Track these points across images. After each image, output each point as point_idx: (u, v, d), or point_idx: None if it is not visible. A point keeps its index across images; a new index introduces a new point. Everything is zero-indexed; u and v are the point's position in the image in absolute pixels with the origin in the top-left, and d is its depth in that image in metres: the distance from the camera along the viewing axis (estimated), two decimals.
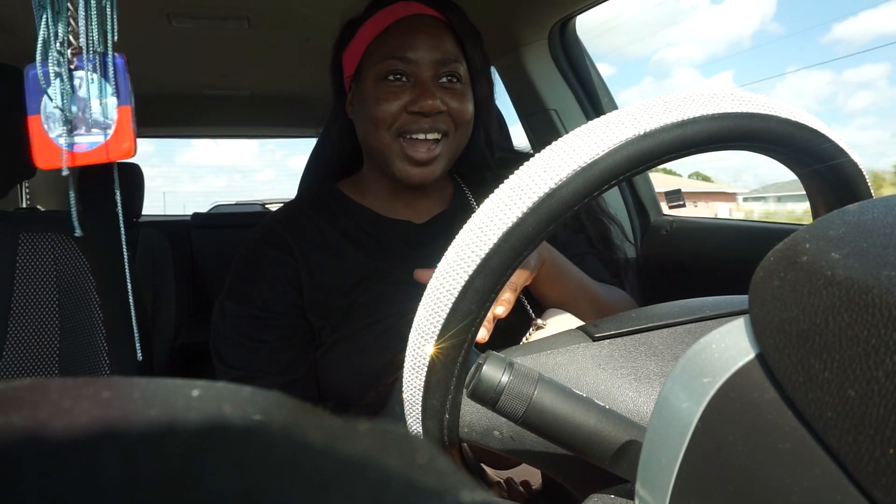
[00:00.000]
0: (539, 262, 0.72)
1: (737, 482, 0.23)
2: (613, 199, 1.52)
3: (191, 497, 0.11)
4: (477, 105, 0.87)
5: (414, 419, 0.40)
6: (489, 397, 0.38)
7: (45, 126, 0.49)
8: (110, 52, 0.48)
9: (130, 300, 0.56)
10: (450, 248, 0.37)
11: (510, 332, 0.68)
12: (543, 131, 1.54)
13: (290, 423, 0.14)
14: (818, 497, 0.20)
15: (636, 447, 0.36)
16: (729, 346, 0.26)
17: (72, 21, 0.46)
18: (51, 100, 0.48)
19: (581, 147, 0.34)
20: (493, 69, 1.62)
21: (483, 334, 0.61)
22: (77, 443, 0.12)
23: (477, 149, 0.91)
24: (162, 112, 2.55)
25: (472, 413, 0.41)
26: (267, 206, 5.07)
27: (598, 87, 1.52)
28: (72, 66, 0.48)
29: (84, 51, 0.47)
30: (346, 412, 0.83)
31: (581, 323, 0.55)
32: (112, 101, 0.50)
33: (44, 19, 0.45)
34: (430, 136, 0.82)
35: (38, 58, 0.47)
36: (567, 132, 0.36)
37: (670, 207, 1.56)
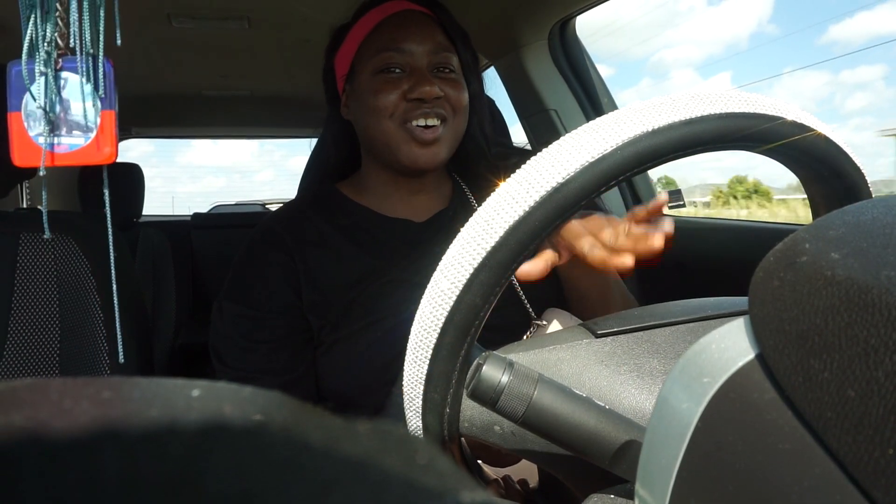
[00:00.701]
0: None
1: (737, 482, 0.23)
2: (613, 199, 1.52)
3: (191, 497, 0.11)
4: (470, 98, 0.89)
5: (414, 412, 0.40)
6: (489, 397, 0.38)
7: (26, 124, 0.49)
8: (100, 56, 0.48)
9: (115, 301, 0.56)
10: (455, 241, 0.36)
11: (510, 332, 0.68)
12: (543, 131, 1.54)
13: (290, 423, 0.14)
14: (818, 497, 0.20)
15: (636, 447, 0.36)
16: (729, 346, 0.26)
17: (60, 22, 0.46)
18: (33, 98, 0.48)
19: (589, 142, 0.34)
20: (492, 69, 1.63)
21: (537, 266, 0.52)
22: (77, 443, 0.12)
23: (473, 141, 0.91)
24: (162, 112, 2.55)
25: (472, 408, 0.41)
26: (267, 206, 5.07)
27: (598, 87, 1.52)
28: (58, 67, 0.48)
29: (72, 52, 0.47)
30: (346, 412, 0.83)
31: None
32: (97, 104, 0.50)
33: (32, 19, 0.45)
34: (430, 122, 0.83)
35: (24, 56, 0.47)
36: (567, 132, 0.36)
37: (670, 207, 1.56)
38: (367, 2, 0.89)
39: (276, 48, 1.75)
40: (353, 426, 0.14)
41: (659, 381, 0.40)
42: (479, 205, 0.37)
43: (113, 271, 0.52)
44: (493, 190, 0.37)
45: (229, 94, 2.29)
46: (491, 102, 1.19)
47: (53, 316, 1.03)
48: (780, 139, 0.35)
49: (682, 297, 0.47)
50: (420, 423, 0.40)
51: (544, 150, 0.36)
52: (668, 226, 0.53)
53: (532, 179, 0.34)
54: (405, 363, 0.40)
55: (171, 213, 3.01)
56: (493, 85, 1.71)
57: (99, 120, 0.50)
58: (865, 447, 0.19)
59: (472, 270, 0.35)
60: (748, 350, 0.25)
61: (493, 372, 0.38)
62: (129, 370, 1.07)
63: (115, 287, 0.56)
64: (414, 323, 0.39)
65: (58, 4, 0.46)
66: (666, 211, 0.55)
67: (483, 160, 0.92)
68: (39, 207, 2.04)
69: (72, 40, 0.47)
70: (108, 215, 0.52)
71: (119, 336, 0.60)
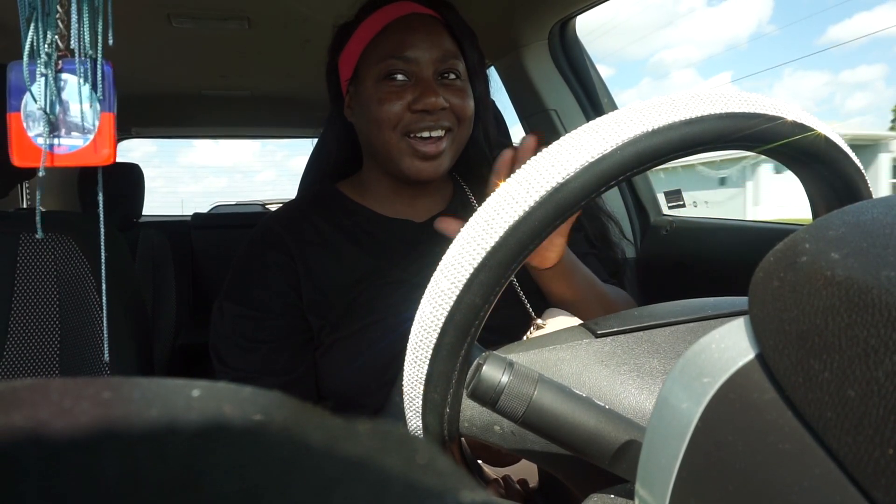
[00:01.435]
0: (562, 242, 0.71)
1: (736, 482, 0.23)
2: (613, 199, 1.52)
3: (191, 497, 0.11)
4: (475, 102, 0.88)
5: (414, 412, 0.40)
6: (489, 397, 0.38)
7: (26, 124, 0.49)
8: (99, 58, 0.48)
9: (104, 301, 0.56)
10: (455, 241, 0.36)
11: (510, 332, 0.68)
12: (543, 132, 1.53)
13: (290, 423, 0.14)
14: (818, 497, 0.20)
15: (636, 447, 0.36)
16: (729, 346, 0.26)
17: (60, 24, 0.46)
18: (34, 99, 0.48)
19: (589, 142, 0.34)
20: (492, 69, 1.63)
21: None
22: (77, 443, 0.12)
23: (476, 146, 0.91)
24: (162, 112, 2.55)
25: (472, 408, 0.41)
26: (267, 206, 5.07)
27: (598, 87, 1.52)
28: (58, 69, 0.48)
29: (72, 54, 0.47)
30: (346, 412, 0.83)
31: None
32: (96, 106, 0.50)
33: (32, 20, 0.45)
34: (434, 134, 0.82)
35: (25, 57, 0.47)
36: (567, 132, 0.36)
37: (670, 207, 1.56)
38: (372, 1, 0.87)
39: (276, 48, 1.75)
40: (352, 426, 0.14)
41: (659, 381, 0.40)
42: (479, 204, 0.37)
43: (104, 270, 0.53)
44: (493, 190, 0.37)
45: (229, 94, 2.29)
46: (493, 105, 1.19)
47: (53, 316, 1.03)
48: (779, 139, 0.35)
49: (682, 297, 0.47)
50: (420, 423, 0.40)
51: (544, 150, 0.36)
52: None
53: (532, 179, 0.34)
54: (405, 363, 0.40)
55: (181, 214, 3.01)
56: (493, 85, 1.71)
57: (98, 122, 0.50)
58: (865, 447, 0.19)
59: (472, 270, 0.35)
60: (748, 350, 0.25)
61: (493, 372, 0.38)
62: (129, 370, 1.07)
63: (104, 286, 0.56)
64: (414, 323, 0.39)
65: (58, 6, 0.46)
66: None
67: (485, 164, 0.92)
68: (40, 208, 2.04)
69: (72, 42, 0.47)
70: (101, 216, 0.52)
71: (106, 335, 0.60)
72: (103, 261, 0.52)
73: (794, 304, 0.23)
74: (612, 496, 0.37)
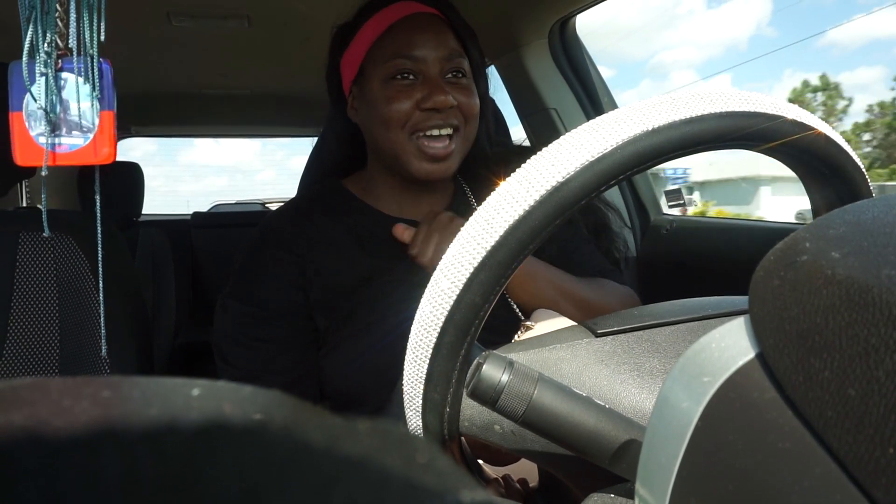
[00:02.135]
0: None
1: (737, 481, 0.23)
2: (613, 198, 1.52)
3: (191, 496, 0.11)
4: (479, 100, 0.88)
5: (414, 412, 0.40)
6: (489, 397, 0.38)
7: (27, 124, 0.49)
8: (96, 56, 0.48)
9: (101, 297, 0.56)
10: (455, 240, 0.36)
11: (498, 333, 0.68)
12: (543, 131, 1.53)
13: (290, 422, 0.14)
14: (818, 496, 0.20)
15: (636, 446, 0.36)
16: (729, 345, 0.26)
17: (59, 23, 0.46)
18: (34, 98, 0.48)
19: (590, 141, 0.34)
20: (492, 68, 1.62)
21: None
22: (77, 442, 0.12)
23: (478, 144, 0.91)
24: (162, 111, 2.55)
25: (472, 407, 0.41)
26: (267, 205, 5.06)
27: (598, 86, 1.52)
28: (58, 67, 0.48)
29: (71, 53, 0.47)
30: (348, 411, 0.83)
31: (570, 322, 0.55)
32: (96, 105, 0.50)
33: (32, 19, 0.45)
34: (444, 132, 0.82)
35: (25, 56, 0.47)
36: (567, 131, 0.36)
37: (670, 207, 1.56)
38: (374, 1, 0.87)
39: (276, 47, 1.75)
40: (353, 425, 0.14)
41: (659, 381, 0.40)
42: (479, 204, 0.37)
43: (101, 268, 0.53)
44: (494, 189, 0.37)
45: (229, 92, 2.29)
46: (493, 104, 1.19)
47: (53, 315, 1.03)
48: (780, 138, 0.35)
49: (683, 296, 0.47)
50: (420, 423, 0.40)
51: (544, 149, 0.36)
52: None
53: (532, 178, 0.34)
54: (405, 362, 0.40)
55: (186, 213, 3.01)
56: (493, 84, 1.71)
57: (98, 120, 0.50)
58: (866, 446, 0.19)
59: (472, 270, 0.35)
60: (748, 349, 0.25)
61: (493, 371, 0.38)
62: (129, 369, 1.07)
63: (101, 284, 0.56)
64: (414, 322, 0.39)
65: (57, 5, 0.46)
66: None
67: (483, 162, 0.92)
68: (39, 206, 2.04)
69: (71, 41, 0.47)
70: (99, 215, 0.52)
71: (104, 331, 0.60)
72: (100, 259, 0.52)
73: (794, 302, 0.23)
74: (612, 495, 0.37)
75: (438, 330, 0.37)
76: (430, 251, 0.76)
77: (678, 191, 1.57)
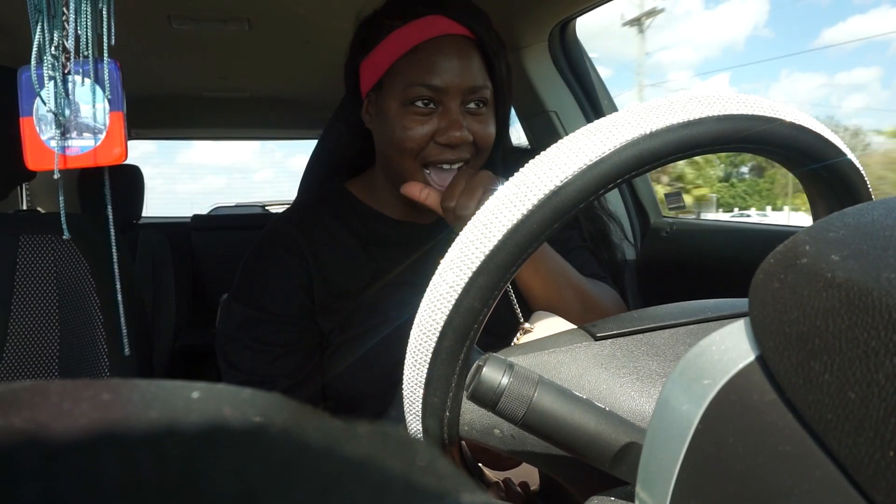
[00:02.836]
0: None
1: (737, 484, 0.23)
2: (613, 201, 1.52)
3: (190, 499, 0.11)
4: (498, 123, 0.86)
5: (414, 416, 0.40)
6: (489, 399, 0.37)
7: (38, 128, 0.49)
8: (105, 58, 0.48)
9: (119, 297, 0.56)
10: (454, 245, 0.36)
11: (496, 336, 0.68)
12: (543, 133, 1.54)
13: (289, 424, 0.14)
14: (818, 499, 0.20)
15: (636, 449, 0.36)
16: (729, 348, 0.26)
17: (67, 26, 0.46)
18: (44, 102, 0.48)
19: (587, 145, 0.34)
20: None
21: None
22: (77, 445, 0.12)
23: (491, 162, 0.89)
24: (162, 113, 2.55)
25: (472, 411, 0.41)
26: (267, 207, 5.06)
27: (598, 88, 1.52)
28: (66, 71, 0.48)
29: (79, 56, 0.48)
30: (351, 413, 0.83)
31: (569, 325, 0.55)
32: (104, 106, 0.50)
33: (39, 23, 0.46)
34: (455, 167, 0.81)
35: (33, 61, 0.47)
36: (567, 134, 0.36)
37: (670, 209, 1.56)
38: (401, 7, 0.83)
39: (276, 50, 1.75)
40: (353, 428, 0.14)
41: (658, 384, 0.40)
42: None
43: (116, 269, 0.53)
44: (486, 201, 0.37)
45: (229, 95, 2.29)
46: None
47: (53, 317, 1.03)
48: (777, 141, 0.35)
49: (682, 298, 0.47)
50: (420, 427, 0.40)
51: (542, 153, 0.36)
52: None
53: (530, 183, 0.34)
54: (405, 367, 0.40)
55: (189, 214, 3.01)
56: None
57: (108, 122, 0.50)
58: (866, 449, 0.19)
59: (470, 274, 0.35)
60: (748, 352, 0.25)
61: (493, 374, 0.37)
62: (129, 371, 1.07)
63: (118, 284, 0.56)
64: (413, 326, 0.39)
65: (64, 9, 0.46)
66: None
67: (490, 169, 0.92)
68: (39, 209, 2.05)
69: (74, 42, 0.47)
70: (110, 215, 0.52)
71: (123, 329, 0.60)
72: (115, 259, 0.52)
73: (794, 305, 0.23)
74: (613, 498, 0.37)
75: (437, 335, 0.37)
76: (472, 205, 0.72)
77: (678, 193, 1.57)
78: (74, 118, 0.49)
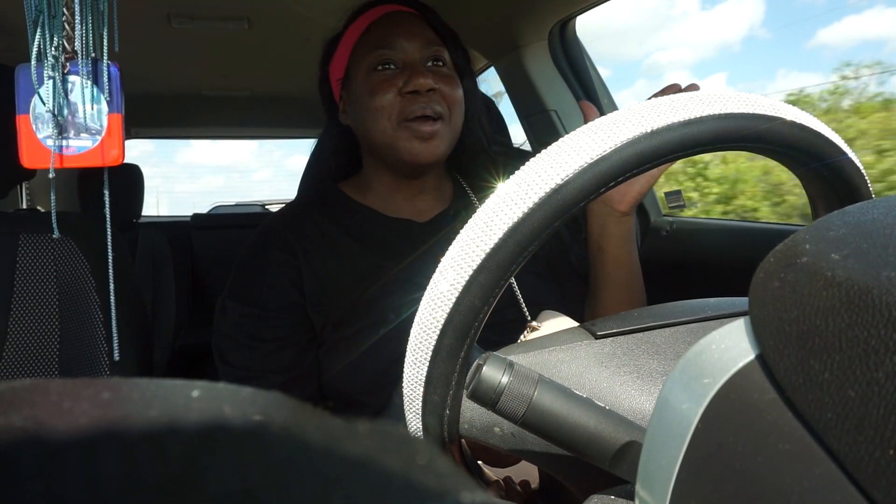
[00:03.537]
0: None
1: (737, 483, 0.23)
2: None
3: (191, 497, 0.11)
4: (466, 95, 0.90)
5: (414, 414, 0.40)
6: (489, 398, 0.38)
7: (34, 126, 0.49)
8: (105, 60, 0.49)
9: (112, 300, 0.56)
10: (454, 242, 0.36)
11: (506, 331, 0.68)
12: (543, 132, 1.54)
13: (290, 423, 0.14)
14: (818, 498, 0.20)
15: (636, 448, 0.36)
16: (729, 347, 0.26)
17: (67, 26, 0.46)
18: (42, 101, 0.48)
19: (588, 143, 0.34)
20: (493, 69, 1.63)
21: None
22: (77, 443, 0.12)
23: (472, 135, 0.92)
24: (162, 112, 2.55)
25: (472, 409, 0.41)
26: (267, 206, 5.06)
27: (598, 87, 1.52)
28: (65, 71, 0.48)
29: (79, 56, 0.48)
30: (348, 411, 0.83)
31: (576, 324, 0.55)
32: (103, 107, 0.50)
33: (39, 23, 0.46)
34: (427, 113, 0.84)
35: (33, 60, 0.47)
36: (567, 133, 0.36)
37: (670, 208, 1.56)
38: (357, 8, 0.91)
39: (276, 49, 1.75)
40: (353, 426, 0.14)
41: (659, 382, 0.40)
42: (479, 201, 0.37)
43: (111, 271, 0.53)
44: (493, 190, 0.37)
45: (229, 94, 2.29)
46: (489, 101, 1.20)
47: (53, 316, 1.03)
48: (778, 139, 0.35)
49: (682, 297, 0.47)
50: (420, 425, 0.40)
51: (543, 151, 0.36)
52: None
53: (531, 181, 0.34)
54: (405, 364, 0.40)
55: (189, 213, 3.01)
56: (492, 85, 1.71)
57: (105, 123, 0.50)
58: (866, 448, 0.19)
59: (471, 272, 0.35)
60: (748, 351, 0.25)
61: (493, 373, 0.37)
62: (129, 371, 1.07)
63: (112, 286, 0.56)
64: (413, 324, 0.39)
65: (64, 9, 0.46)
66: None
67: (482, 154, 0.93)
68: (39, 208, 2.05)
69: (78, 44, 0.47)
70: (108, 216, 0.52)
71: (115, 334, 0.60)
72: (110, 260, 0.52)
73: (794, 304, 0.23)
74: (613, 497, 0.37)
75: (438, 332, 0.37)
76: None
77: (678, 192, 1.57)
78: (72, 118, 0.50)
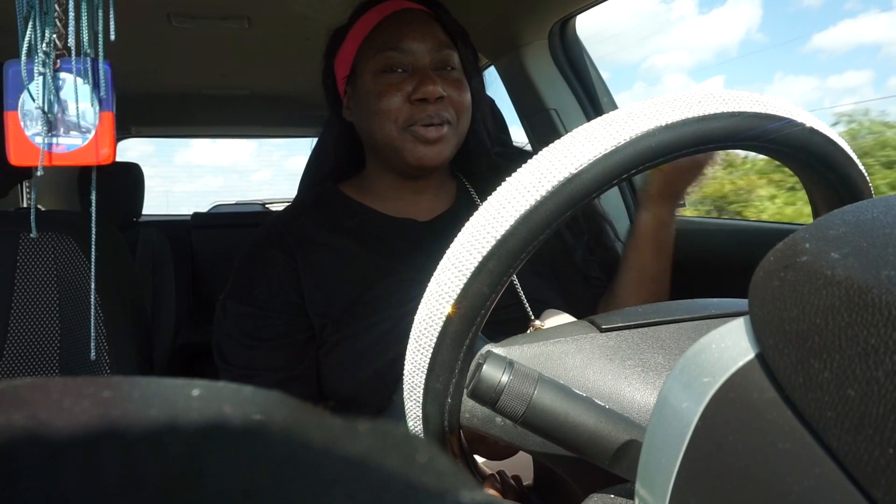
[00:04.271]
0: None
1: (736, 482, 0.23)
2: (613, 199, 1.52)
3: (191, 496, 0.11)
4: (472, 95, 0.89)
5: (414, 402, 0.40)
6: (489, 397, 0.37)
7: (23, 123, 0.49)
8: (101, 57, 0.48)
9: (92, 300, 0.56)
10: (464, 228, 0.36)
11: (509, 329, 0.68)
12: (544, 131, 1.53)
13: (290, 423, 0.14)
14: (818, 497, 0.20)
15: (636, 447, 0.36)
16: (729, 346, 0.26)
17: (58, 23, 0.46)
18: (31, 97, 0.48)
19: (603, 135, 0.34)
20: (492, 68, 1.62)
21: None
22: (77, 442, 0.12)
23: (476, 138, 0.92)
24: (162, 111, 2.55)
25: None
26: (267, 206, 5.06)
27: (598, 86, 1.52)
28: (56, 67, 0.48)
29: (71, 53, 0.47)
30: (348, 411, 0.83)
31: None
32: (95, 105, 0.50)
33: (31, 19, 0.45)
34: (435, 121, 0.83)
35: (23, 56, 0.47)
36: (567, 132, 0.36)
37: None
38: (364, 2, 0.89)
39: (276, 48, 1.75)
40: (353, 426, 0.14)
41: (663, 376, 0.40)
42: (481, 201, 0.37)
43: (93, 270, 0.53)
44: (499, 184, 0.37)
45: (229, 93, 2.29)
46: (491, 102, 1.19)
47: (53, 315, 1.03)
48: (791, 142, 0.35)
49: (683, 297, 0.47)
50: (420, 413, 0.40)
51: (557, 140, 0.36)
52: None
53: (545, 169, 0.34)
54: (408, 350, 0.40)
55: (194, 212, 3.01)
56: (493, 85, 1.71)
57: (97, 121, 0.50)
58: (865, 447, 0.19)
59: (480, 258, 0.35)
60: (748, 350, 0.25)
61: (493, 371, 0.37)
62: (129, 370, 1.07)
63: (93, 285, 0.56)
64: (419, 310, 0.39)
65: (56, 6, 0.46)
66: None
67: (486, 157, 0.93)
68: (40, 207, 2.04)
69: (70, 41, 0.47)
70: (94, 216, 0.52)
71: (92, 333, 0.60)
72: (93, 260, 0.52)
73: (794, 303, 0.23)
74: (612, 496, 0.37)
75: (444, 319, 0.36)
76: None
77: None
78: (62, 116, 0.49)
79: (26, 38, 0.46)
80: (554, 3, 1.34)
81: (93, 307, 0.59)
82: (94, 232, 0.53)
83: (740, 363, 0.25)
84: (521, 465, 0.60)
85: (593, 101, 1.52)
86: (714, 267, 1.27)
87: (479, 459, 0.59)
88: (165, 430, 0.13)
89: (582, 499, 0.39)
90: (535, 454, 0.43)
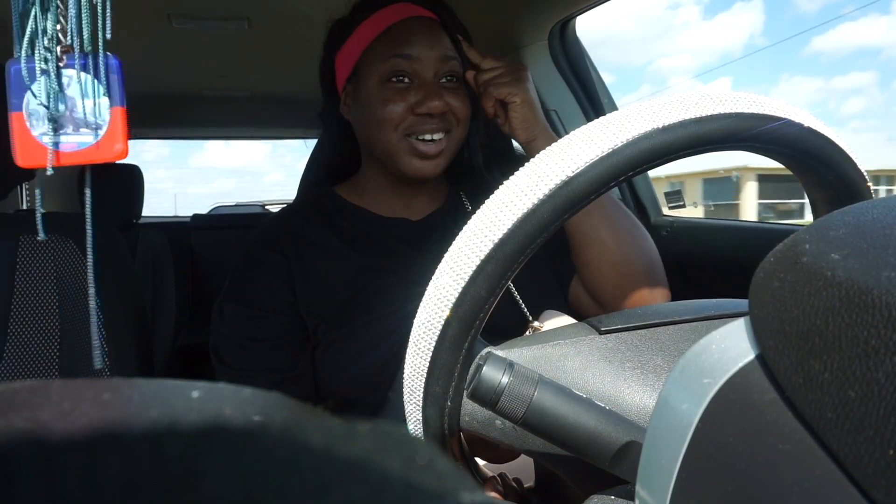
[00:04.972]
0: None
1: (737, 483, 0.23)
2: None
3: (191, 498, 0.11)
4: (471, 101, 0.89)
5: (414, 406, 0.40)
6: (489, 398, 0.37)
7: (28, 123, 0.48)
8: (101, 52, 0.48)
9: (91, 304, 0.56)
10: (462, 232, 0.36)
11: (505, 335, 0.68)
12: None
13: (290, 424, 0.14)
14: (818, 498, 0.20)
15: (636, 448, 0.36)
16: (729, 346, 0.26)
17: (61, 18, 0.46)
18: (35, 96, 0.47)
19: (600, 137, 0.34)
20: None
21: None
22: (77, 444, 0.12)
23: (471, 150, 0.93)
24: (162, 112, 2.55)
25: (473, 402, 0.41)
26: (267, 206, 5.07)
27: (598, 88, 1.52)
28: (60, 64, 0.48)
29: (74, 49, 0.47)
30: (346, 411, 0.83)
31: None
32: (104, 101, 0.49)
33: (32, 14, 0.45)
34: (436, 137, 0.84)
35: (24, 54, 0.46)
36: (567, 133, 0.36)
37: (670, 208, 1.56)
38: (369, 1, 0.88)
39: (276, 48, 1.75)
40: (352, 427, 0.14)
41: (663, 378, 0.40)
42: (470, 205, 0.37)
43: (90, 272, 0.52)
44: (491, 189, 0.37)
45: (229, 94, 2.29)
46: None
47: (53, 317, 1.03)
48: (789, 142, 0.35)
49: (682, 297, 0.47)
50: (420, 417, 0.40)
51: (554, 143, 0.36)
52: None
53: (542, 172, 0.34)
54: (407, 355, 0.40)
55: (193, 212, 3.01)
56: None
57: (109, 117, 0.49)
58: (866, 448, 0.19)
59: (478, 262, 0.35)
60: (748, 351, 0.25)
61: (493, 373, 0.37)
62: (129, 371, 1.07)
63: (91, 289, 0.56)
64: (417, 314, 0.39)
65: (57, 1, 0.45)
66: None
67: (477, 161, 0.94)
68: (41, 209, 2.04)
69: (71, 37, 0.47)
70: (89, 215, 0.52)
71: (94, 341, 0.60)
72: (90, 262, 0.52)
73: (794, 304, 0.23)
74: (613, 497, 0.37)
75: (442, 322, 0.37)
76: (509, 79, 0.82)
77: (678, 192, 1.57)
78: (70, 113, 0.49)
79: (27, 35, 0.45)
80: (554, 4, 1.34)
81: (93, 312, 0.58)
82: (89, 233, 0.53)
83: (740, 364, 0.25)
84: (522, 468, 0.60)
85: (593, 102, 1.52)
86: (714, 267, 1.27)
87: (480, 462, 0.59)
88: (165, 431, 0.13)
89: (582, 500, 0.38)
90: (535, 456, 0.43)
